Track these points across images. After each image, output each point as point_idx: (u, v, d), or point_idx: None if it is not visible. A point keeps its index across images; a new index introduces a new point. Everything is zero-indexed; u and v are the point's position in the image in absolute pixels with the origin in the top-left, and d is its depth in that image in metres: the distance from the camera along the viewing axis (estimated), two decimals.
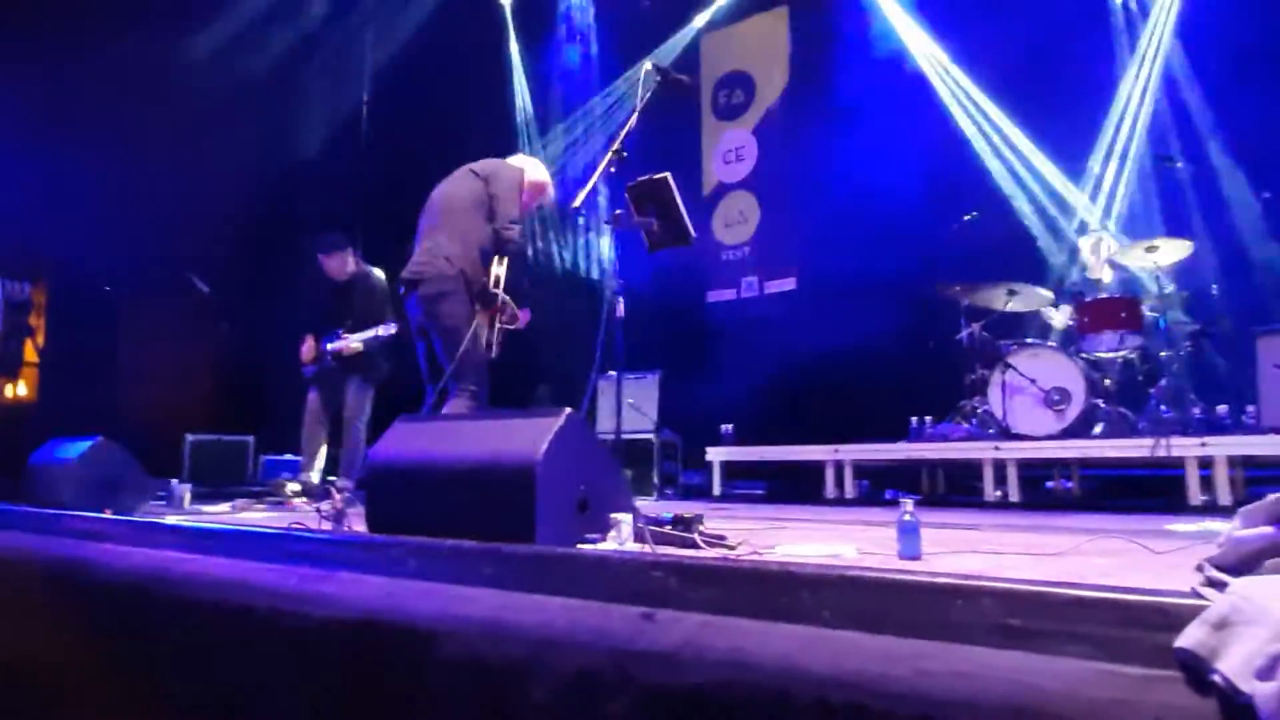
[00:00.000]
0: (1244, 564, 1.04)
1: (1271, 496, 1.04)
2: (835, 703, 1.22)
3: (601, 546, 2.03)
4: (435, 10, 8.84)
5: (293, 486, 4.97)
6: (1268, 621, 0.87)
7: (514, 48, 9.70)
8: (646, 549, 2.00)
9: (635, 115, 3.36)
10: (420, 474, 2.30)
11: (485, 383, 3.56)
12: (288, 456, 6.99)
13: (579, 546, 2.01)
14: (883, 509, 4.61)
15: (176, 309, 7.02)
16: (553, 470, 2.07)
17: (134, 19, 6.92)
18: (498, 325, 3.50)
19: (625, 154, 3.09)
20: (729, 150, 8.78)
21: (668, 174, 3.36)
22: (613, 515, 2.13)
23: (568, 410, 2.20)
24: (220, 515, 3.92)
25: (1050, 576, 1.28)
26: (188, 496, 4.45)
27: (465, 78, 9.10)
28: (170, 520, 2.97)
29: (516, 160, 4.10)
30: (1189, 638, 0.95)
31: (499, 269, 3.51)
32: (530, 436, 2.12)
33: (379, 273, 5.39)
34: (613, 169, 3.04)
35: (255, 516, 3.89)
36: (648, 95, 3.38)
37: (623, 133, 3.20)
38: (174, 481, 4.57)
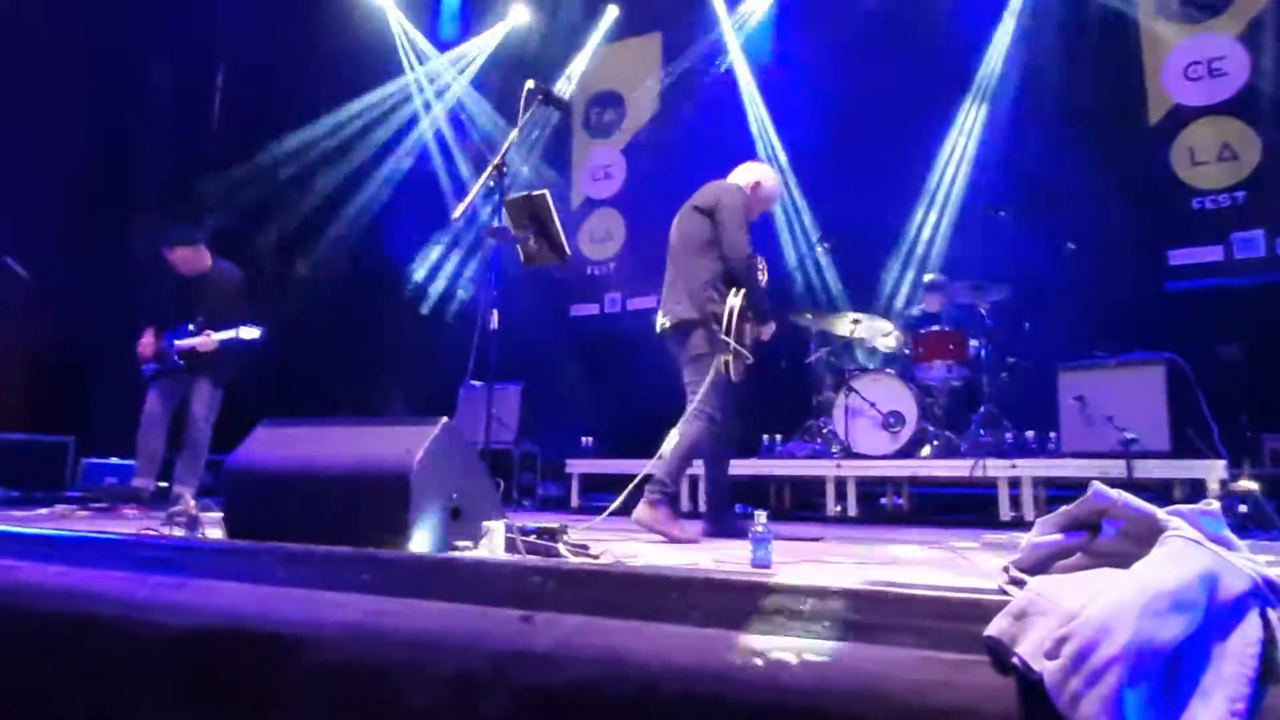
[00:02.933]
0: (1040, 565, 1.25)
1: (1062, 509, 1.26)
2: (699, 694, 1.34)
3: (474, 554, 2.07)
4: None
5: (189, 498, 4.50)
6: (1055, 612, 1.06)
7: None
8: (519, 557, 2.06)
9: (516, 131, 3.43)
10: (286, 480, 2.26)
11: (727, 409, 3.58)
12: (113, 460, 6.46)
13: (451, 553, 2.05)
14: None
15: None
16: (427, 478, 2.10)
17: None
18: (740, 353, 3.46)
19: (506, 168, 3.14)
20: (598, 167, 8.94)
21: (545, 191, 3.44)
22: (484, 524, 2.18)
23: (444, 419, 2.23)
24: (41, 521, 3.60)
25: (885, 580, 1.46)
26: None
27: (337, 38, 8.56)
28: None
29: (741, 174, 3.99)
30: (995, 627, 1.13)
31: (734, 299, 3.49)
32: (406, 444, 2.13)
33: (235, 268, 5.08)
34: (491, 183, 3.08)
35: (81, 524, 3.60)
36: (528, 113, 3.45)
37: (503, 147, 3.25)
38: None
